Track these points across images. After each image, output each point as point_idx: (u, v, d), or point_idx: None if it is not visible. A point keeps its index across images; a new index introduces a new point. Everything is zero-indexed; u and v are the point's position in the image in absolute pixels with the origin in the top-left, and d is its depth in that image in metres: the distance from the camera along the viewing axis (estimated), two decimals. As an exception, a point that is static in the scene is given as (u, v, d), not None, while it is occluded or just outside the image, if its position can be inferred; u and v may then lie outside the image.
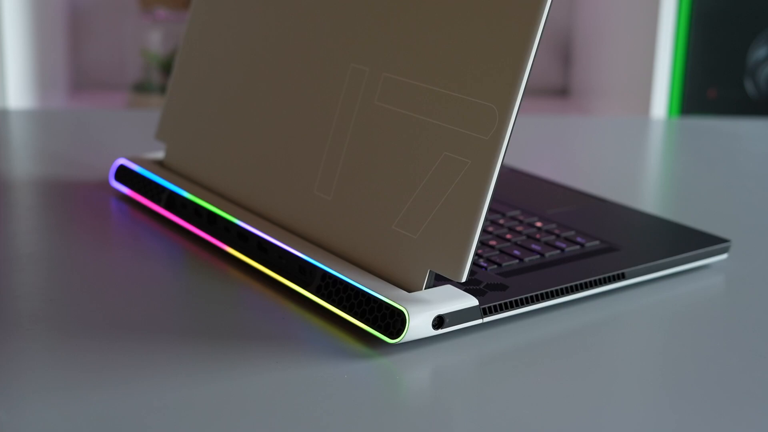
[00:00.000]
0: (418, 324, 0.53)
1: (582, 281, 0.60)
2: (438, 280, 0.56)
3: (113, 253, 0.68)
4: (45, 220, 0.76)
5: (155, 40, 1.90)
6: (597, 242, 0.66)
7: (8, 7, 1.57)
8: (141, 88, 1.90)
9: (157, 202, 0.72)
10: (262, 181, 0.66)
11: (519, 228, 0.68)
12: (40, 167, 0.89)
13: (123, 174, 0.77)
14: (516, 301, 0.57)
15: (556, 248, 0.64)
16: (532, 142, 1.08)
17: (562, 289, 0.59)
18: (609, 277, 0.62)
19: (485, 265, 0.61)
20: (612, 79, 1.85)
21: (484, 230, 0.66)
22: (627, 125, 1.29)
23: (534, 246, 0.65)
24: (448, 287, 0.56)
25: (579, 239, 0.66)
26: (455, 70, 0.55)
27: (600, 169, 1.00)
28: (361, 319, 0.55)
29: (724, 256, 0.68)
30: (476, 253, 0.62)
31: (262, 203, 0.66)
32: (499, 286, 0.58)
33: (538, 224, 0.69)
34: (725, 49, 1.71)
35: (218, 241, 0.66)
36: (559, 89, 2.06)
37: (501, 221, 0.69)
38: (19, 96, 1.62)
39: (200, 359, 0.53)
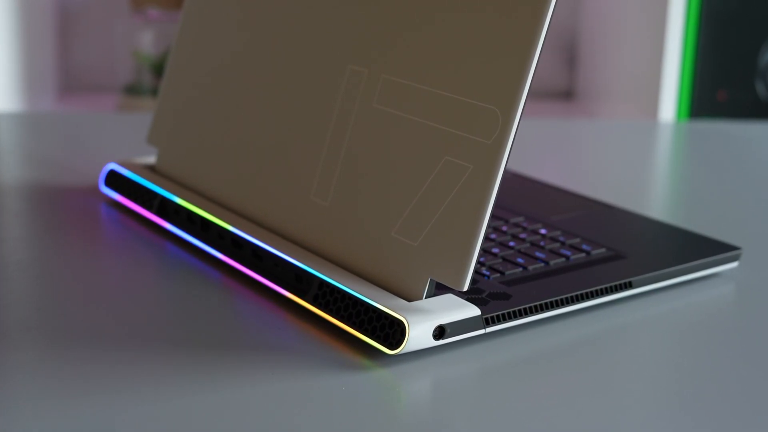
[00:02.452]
0: (419, 334, 0.53)
1: (588, 290, 0.60)
2: (439, 288, 0.56)
3: (103, 261, 0.68)
4: (33, 226, 0.76)
5: (147, 41, 1.90)
6: (603, 250, 0.66)
7: (-5, 7, 1.57)
8: (132, 90, 1.90)
9: (149, 208, 0.72)
10: (257, 186, 0.66)
11: (522, 235, 0.68)
12: (28, 172, 0.89)
13: (113, 179, 0.77)
14: (519, 310, 0.57)
15: (560, 256, 0.65)
16: (536, 146, 1.08)
17: (567, 298, 0.59)
18: (615, 285, 0.62)
19: (488, 273, 0.61)
20: (618, 81, 1.85)
21: (486, 237, 0.66)
22: (634, 128, 1.30)
23: (538, 254, 0.65)
24: (450, 296, 0.56)
25: (584, 247, 0.66)
26: (456, 72, 0.55)
27: (606, 174, 1.00)
28: (360, 329, 0.55)
29: (734, 264, 0.68)
30: (478, 261, 0.62)
31: (257, 209, 0.66)
32: (502, 295, 0.58)
33: (543, 231, 0.69)
34: (735, 50, 1.71)
35: (212, 249, 0.66)
36: (563, 91, 2.07)
37: (504, 228, 0.69)
38: (6, 99, 1.62)
39: (193, 370, 0.52)
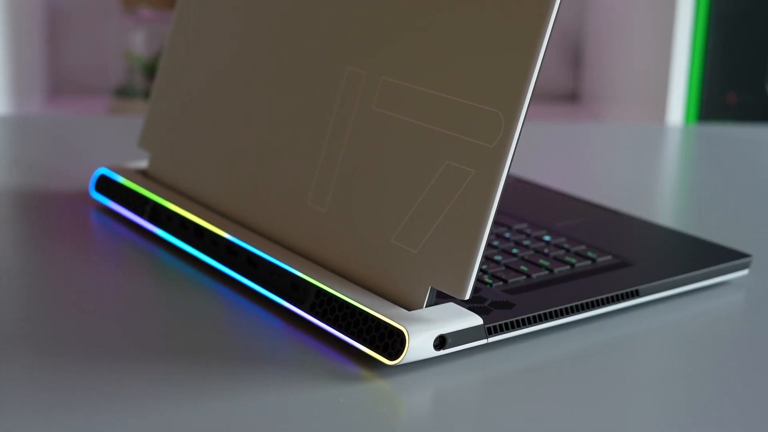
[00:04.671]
0: (419, 344, 0.53)
1: (593, 299, 0.60)
2: (440, 297, 0.56)
3: (94, 269, 0.68)
4: (21, 232, 0.76)
5: (139, 42, 1.90)
6: (609, 257, 0.66)
7: (-17, 7, 1.58)
8: (123, 92, 1.90)
9: (141, 214, 0.72)
10: (252, 192, 0.66)
11: (526, 242, 0.68)
12: (17, 176, 0.89)
13: (104, 184, 0.77)
14: (523, 320, 0.57)
15: (565, 263, 0.65)
16: (540, 150, 1.08)
17: (571, 307, 0.59)
18: (622, 294, 0.62)
19: (490, 281, 0.61)
20: (625, 84, 1.85)
21: (489, 244, 0.66)
22: (641, 132, 1.30)
23: (542, 261, 0.65)
24: (451, 305, 0.56)
25: (590, 254, 0.66)
26: (458, 74, 0.55)
27: (612, 179, 1.01)
28: (358, 339, 0.55)
29: (744, 271, 0.68)
30: (480, 269, 0.62)
31: (253, 215, 0.66)
32: (504, 303, 0.58)
33: (546, 238, 0.69)
34: (745, 51, 1.72)
35: (205, 256, 0.66)
36: (568, 94, 2.07)
37: (507, 235, 0.69)
38: (-7, 101, 1.62)
39: (185, 381, 0.52)
